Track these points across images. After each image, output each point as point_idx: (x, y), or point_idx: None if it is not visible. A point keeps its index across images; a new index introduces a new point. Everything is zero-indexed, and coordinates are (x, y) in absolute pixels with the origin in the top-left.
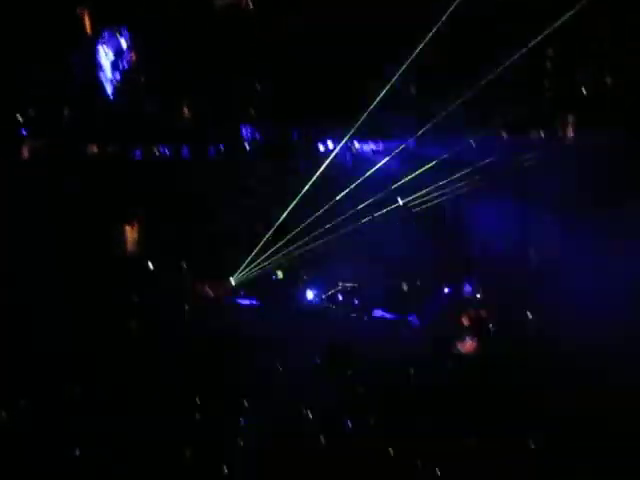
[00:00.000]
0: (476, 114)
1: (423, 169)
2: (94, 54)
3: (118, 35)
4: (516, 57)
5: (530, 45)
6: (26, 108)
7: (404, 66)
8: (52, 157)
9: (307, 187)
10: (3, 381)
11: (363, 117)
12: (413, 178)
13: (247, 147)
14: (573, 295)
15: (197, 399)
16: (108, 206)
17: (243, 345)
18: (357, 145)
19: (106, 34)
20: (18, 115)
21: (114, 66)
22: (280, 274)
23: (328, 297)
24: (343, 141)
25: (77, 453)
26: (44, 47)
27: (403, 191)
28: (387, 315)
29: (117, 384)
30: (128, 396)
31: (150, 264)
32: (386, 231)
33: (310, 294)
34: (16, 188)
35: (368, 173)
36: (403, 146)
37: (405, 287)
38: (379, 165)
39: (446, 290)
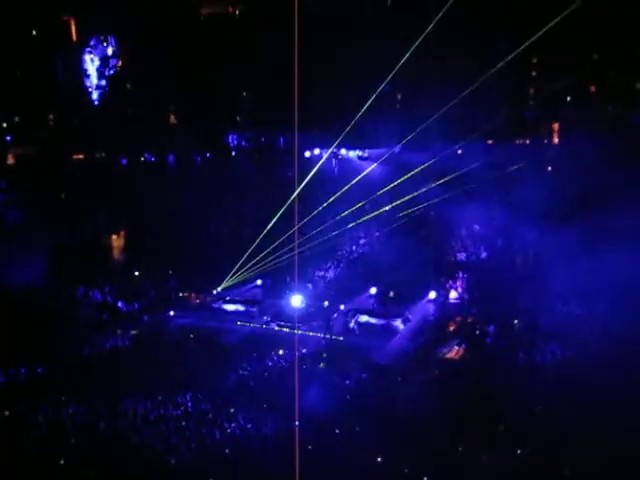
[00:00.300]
0: (459, 122)
1: (407, 176)
2: (80, 61)
3: (104, 43)
4: (501, 65)
5: (513, 54)
6: (11, 115)
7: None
8: (37, 163)
9: (294, 195)
10: None
11: (349, 126)
12: (397, 185)
13: (233, 153)
14: (558, 298)
15: (181, 402)
16: (93, 213)
17: (227, 350)
18: (343, 152)
19: (92, 41)
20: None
21: (100, 73)
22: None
23: (316, 303)
24: (330, 149)
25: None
26: (30, 54)
27: (388, 198)
28: (373, 320)
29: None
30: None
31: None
32: (372, 237)
33: (298, 300)
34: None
35: (354, 181)
36: (387, 155)
37: (391, 293)
38: (365, 173)
39: (432, 296)
